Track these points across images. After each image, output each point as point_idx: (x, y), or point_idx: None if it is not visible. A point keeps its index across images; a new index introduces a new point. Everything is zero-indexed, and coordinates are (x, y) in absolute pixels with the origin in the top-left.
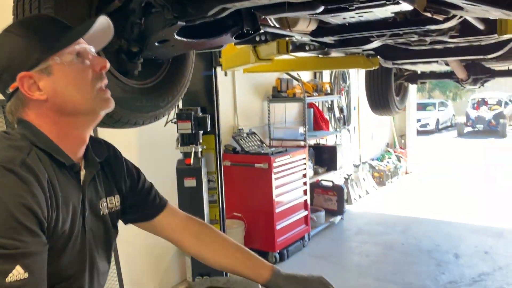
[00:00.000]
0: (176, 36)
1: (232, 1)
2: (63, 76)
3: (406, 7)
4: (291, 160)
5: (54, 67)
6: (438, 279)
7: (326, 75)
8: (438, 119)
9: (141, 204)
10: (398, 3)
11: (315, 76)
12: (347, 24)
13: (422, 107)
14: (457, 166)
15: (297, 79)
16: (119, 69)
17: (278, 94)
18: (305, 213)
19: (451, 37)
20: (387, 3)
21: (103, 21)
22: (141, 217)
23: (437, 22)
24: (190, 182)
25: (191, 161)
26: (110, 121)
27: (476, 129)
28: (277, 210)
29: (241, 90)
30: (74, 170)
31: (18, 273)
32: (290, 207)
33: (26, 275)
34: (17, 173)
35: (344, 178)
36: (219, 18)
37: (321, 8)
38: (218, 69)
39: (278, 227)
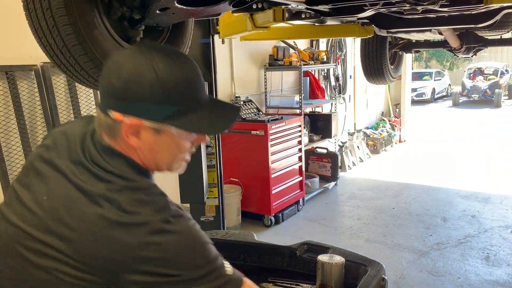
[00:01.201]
0: (176, 4)
1: None
2: (167, 142)
3: None
4: (286, 128)
5: (166, 132)
6: (426, 241)
7: (323, 43)
8: (434, 89)
9: None
10: None
11: (311, 45)
12: None
13: (418, 76)
14: (450, 135)
15: (293, 47)
16: (122, 35)
17: (274, 62)
18: (300, 178)
19: (442, 6)
20: None
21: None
22: None
23: None
24: None
25: None
26: None
27: (471, 99)
28: (272, 176)
29: (238, 58)
30: None
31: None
32: (286, 172)
33: None
34: (181, 215)
35: (339, 145)
36: None
37: None
38: (216, 37)
39: (273, 192)
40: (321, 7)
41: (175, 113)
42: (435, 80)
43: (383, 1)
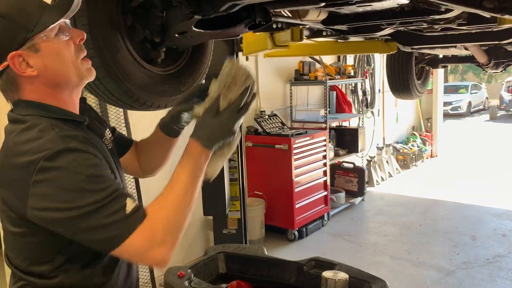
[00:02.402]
0: (193, 28)
1: None
2: (49, 51)
3: (401, 1)
4: (311, 142)
5: (41, 44)
6: (453, 259)
7: (350, 58)
8: (470, 102)
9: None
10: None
11: (338, 59)
12: (357, 13)
13: (454, 89)
14: (486, 150)
15: (319, 62)
16: (144, 57)
17: (300, 77)
18: (325, 193)
19: (459, 25)
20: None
21: None
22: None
23: (440, 12)
24: None
25: None
26: (136, 104)
27: (510, 113)
28: (296, 190)
29: (263, 73)
30: (86, 124)
31: (130, 203)
32: (310, 187)
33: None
34: (68, 149)
35: (367, 160)
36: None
37: (322, 4)
38: (240, 53)
39: (297, 206)
40: (338, 27)
41: (30, 26)
42: (471, 93)
43: (399, 21)
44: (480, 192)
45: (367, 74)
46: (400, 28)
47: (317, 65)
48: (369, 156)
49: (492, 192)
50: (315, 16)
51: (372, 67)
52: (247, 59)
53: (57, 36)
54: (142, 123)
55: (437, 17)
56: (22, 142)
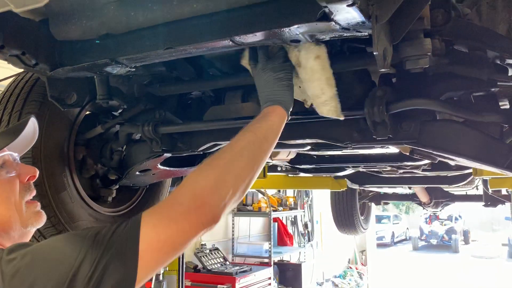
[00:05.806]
0: (159, 166)
1: (224, 139)
2: None
3: (393, 150)
4: (255, 280)
5: None
6: None
7: (290, 189)
8: (393, 232)
9: None
10: (386, 147)
11: (279, 190)
12: (326, 156)
13: (377, 219)
14: (417, 283)
15: (262, 193)
16: (92, 195)
17: (243, 207)
18: None
19: (424, 170)
20: (376, 146)
21: (30, 125)
22: None
23: (415, 159)
24: None
25: (152, 286)
26: None
27: (429, 243)
28: None
29: None
30: None
31: None
32: None
33: None
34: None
35: None
36: None
37: (308, 147)
38: None
39: None
40: (304, 166)
41: None
42: (393, 224)
43: (364, 164)
44: None
45: (305, 205)
46: (361, 170)
47: (259, 195)
48: None
49: None
50: (285, 155)
51: (310, 198)
52: None
53: None
54: None
55: (409, 163)
56: None
